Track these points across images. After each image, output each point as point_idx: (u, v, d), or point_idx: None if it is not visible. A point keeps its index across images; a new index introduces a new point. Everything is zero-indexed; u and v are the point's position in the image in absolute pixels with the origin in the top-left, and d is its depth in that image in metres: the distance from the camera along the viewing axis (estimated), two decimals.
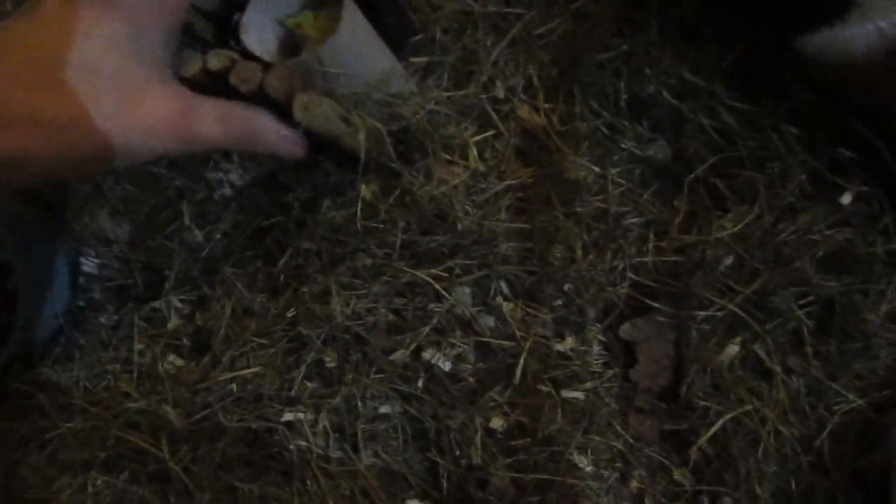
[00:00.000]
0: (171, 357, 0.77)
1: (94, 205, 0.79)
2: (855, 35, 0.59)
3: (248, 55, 0.63)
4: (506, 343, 0.69)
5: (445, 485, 0.68)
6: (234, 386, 0.72)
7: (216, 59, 0.62)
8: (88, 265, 0.79)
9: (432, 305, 0.69)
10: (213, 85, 0.63)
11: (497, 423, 0.68)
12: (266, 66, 0.62)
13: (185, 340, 0.77)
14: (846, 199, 0.66)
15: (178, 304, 0.77)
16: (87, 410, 0.75)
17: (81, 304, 0.79)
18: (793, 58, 0.63)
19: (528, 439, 0.67)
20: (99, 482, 0.74)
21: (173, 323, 0.77)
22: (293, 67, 0.61)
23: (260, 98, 0.62)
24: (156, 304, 0.77)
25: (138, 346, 0.77)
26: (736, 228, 0.68)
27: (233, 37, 0.64)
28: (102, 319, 0.78)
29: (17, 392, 0.76)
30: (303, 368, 0.71)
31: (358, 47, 0.67)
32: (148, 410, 0.74)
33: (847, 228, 0.67)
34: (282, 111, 0.62)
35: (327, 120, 0.62)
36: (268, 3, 0.65)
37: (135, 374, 0.77)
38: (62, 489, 0.74)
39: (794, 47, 0.62)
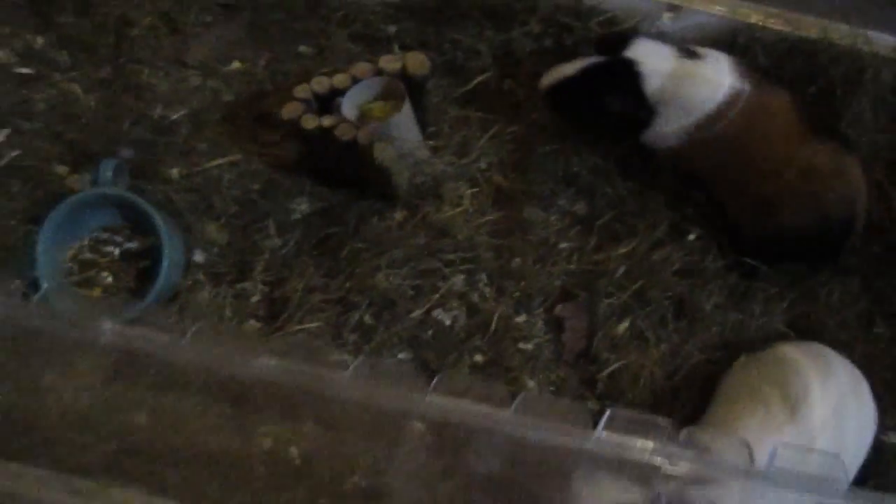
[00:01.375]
0: (252, 322, 1.12)
1: (207, 216, 1.16)
2: (666, 130, 1.05)
3: (346, 121, 1.06)
4: (484, 310, 1.08)
5: None
6: (300, 336, 1.08)
7: (328, 120, 1.05)
8: (197, 257, 1.15)
9: (440, 283, 1.09)
10: (323, 136, 1.05)
11: (478, 358, 1.06)
12: (356, 126, 1.05)
13: (262, 311, 1.12)
14: (691, 236, 1.12)
15: (261, 286, 1.13)
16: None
17: (190, 282, 1.14)
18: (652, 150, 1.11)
19: (497, 369, 1.05)
20: None
21: (256, 297, 1.13)
22: (374, 127, 1.04)
23: (353, 145, 1.04)
24: (244, 285, 1.13)
25: (227, 314, 1.12)
26: (625, 251, 1.12)
27: (335, 111, 1.07)
28: (204, 293, 1.13)
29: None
30: (350, 325, 1.08)
31: (403, 127, 1.10)
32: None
33: (692, 255, 1.12)
34: (363, 152, 1.04)
35: (392, 161, 1.05)
36: (355, 93, 1.09)
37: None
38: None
39: (641, 142, 1.09)
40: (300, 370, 0.69)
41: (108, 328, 0.69)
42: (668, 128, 1.05)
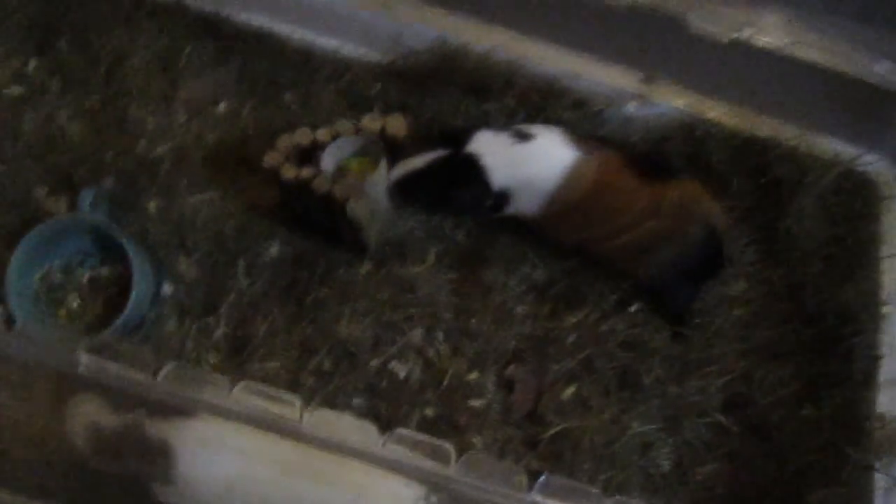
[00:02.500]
0: (212, 354, 1.15)
1: (179, 250, 1.19)
2: (522, 208, 1.12)
3: (323, 174, 1.11)
4: (439, 366, 1.13)
5: None
6: (260, 374, 1.11)
7: (306, 172, 1.10)
8: (166, 289, 1.18)
9: (398, 337, 1.13)
10: (300, 186, 1.10)
11: (429, 412, 1.10)
12: (333, 181, 1.10)
13: (223, 346, 1.16)
14: (633, 308, 1.19)
15: (225, 323, 1.17)
16: None
17: (157, 313, 1.17)
18: None
19: (447, 425, 1.09)
20: None
21: (218, 333, 1.16)
22: (349, 184, 1.10)
23: (327, 198, 1.09)
24: (208, 320, 1.17)
25: (189, 345, 1.15)
26: (575, 320, 1.18)
27: (314, 163, 1.13)
28: (169, 325, 1.16)
29: None
30: (309, 369, 1.12)
31: (378, 186, 1.15)
32: None
33: (636, 327, 1.18)
34: (337, 206, 1.09)
35: (362, 217, 1.10)
36: (335, 148, 1.15)
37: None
38: None
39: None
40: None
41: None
42: (523, 206, 1.13)
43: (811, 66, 1.12)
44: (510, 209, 1.14)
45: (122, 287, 1.14)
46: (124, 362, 0.70)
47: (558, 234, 1.19)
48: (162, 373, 0.69)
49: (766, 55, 1.13)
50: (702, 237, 1.14)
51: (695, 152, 1.27)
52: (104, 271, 1.19)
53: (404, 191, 1.11)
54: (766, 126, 1.25)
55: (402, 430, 0.73)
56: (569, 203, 1.12)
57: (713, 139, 1.25)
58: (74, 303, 1.17)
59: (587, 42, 1.26)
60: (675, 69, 1.26)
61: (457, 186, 1.09)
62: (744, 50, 1.15)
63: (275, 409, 0.71)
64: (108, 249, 1.17)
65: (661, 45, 1.23)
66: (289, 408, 0.70)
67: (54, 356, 0.70)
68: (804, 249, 1.22)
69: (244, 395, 0.71)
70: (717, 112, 1.26)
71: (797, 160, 1.24)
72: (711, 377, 1.17)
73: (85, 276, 1.19)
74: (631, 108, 1.27)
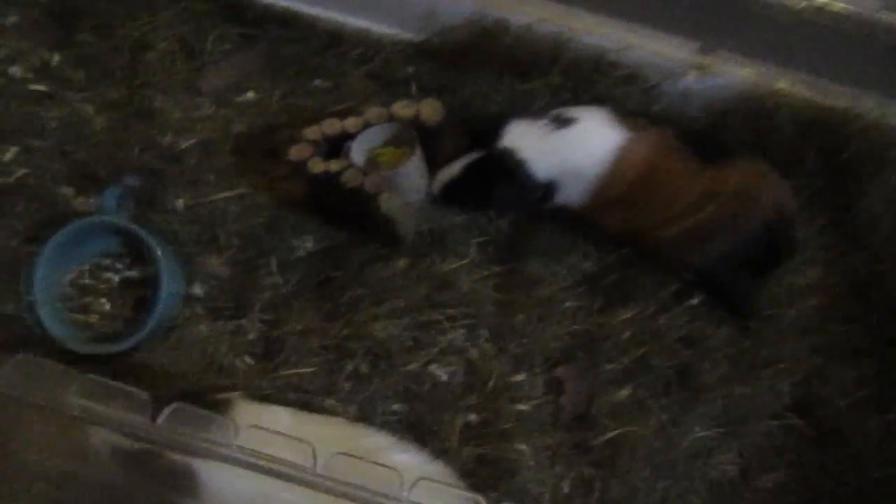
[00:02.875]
0: (246, 358, 1.10)
1: (209, 249, 1.14)
2: (570, 196, 1.05)
3: (353, 166, 1.04)
4: (482, 367, 1.06)
5: None
6: (294, 380, 1.06)
7: (336, 164, 1.03)
8: (196, 289, 1.14)
9: (439, 337, 1.06)
10: (329, 180, 1.03)
11: (473, 417, 1.04)
12: (363, 173, 1.03)
13: (257, 349, 1.11)
14: (695, 301, 1.09)
15: (259, 324, 1.12)
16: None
17: (188, 314, 1.12)
18: None
19: (492, 430, 1.02)
20: None
21: (252, 335, 1.11)
22: (382, 176, 1.02)
23: (359, 192, 1.02)
24: (242, 322, 1.11)
25: (222, 350, 1.10)
26: (629, 315, 1.09)
27: (344, 154, 1.05)
28: (201, 328, 1.11)
29: (137, 364, 1.07)
30: (345, 372, 1.06)
31: (412, 176, 1.08)
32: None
33: (696, 321, 1.08)
34: (368, 199, 1.02)
35: (397, 211, 1.02)
36: (366, 138, 1.07)
37: (215, 368, 1.09)
38: None
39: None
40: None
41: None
42: (571, 195, 1.05)
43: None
44: (559, 199, 1.06)
45: (153, 289, 1.10)
46: (117, 406, 0.64)
47: (608, 223, 1.10)
48: (161, 416, 0.64)
49: (844, 18, 1.00)
50: (768, 222, 1.03)
51: (761, 127, 1.15)
52: (134, 273, 1.15)
53: (450, 200, 1.09)
54: (842, 97, 1.12)
55: (427, 482, 0.65)
56: (619, 189, 1.03)
57: (782, 112, 1.14)
58: (106, 306, 1.13)
59: (638, 10, 1.15)
60: (736, 37, 1.14)
61: (498, 186, 1.04)
62: (817, 13, 1.03)
63: (285, 455, 0.64)
64: (138, 249, 1.12)
65: (720, 11, 1.11)
66: (301, 455, 0.64)
67: (44, 396, 0.65)
68: (885, 233, 1.10)
69: (251, 438, 0.65)
70: (786, 82, 1.14)
71: (878, 134, 1.11)
72: (782, 375, 1.08)
73: (115, 278, 1.14)
74: (689, 80, 1.17)
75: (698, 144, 1.05)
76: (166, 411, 0.64)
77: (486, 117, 1.14)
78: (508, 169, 1.02)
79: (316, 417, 0.95)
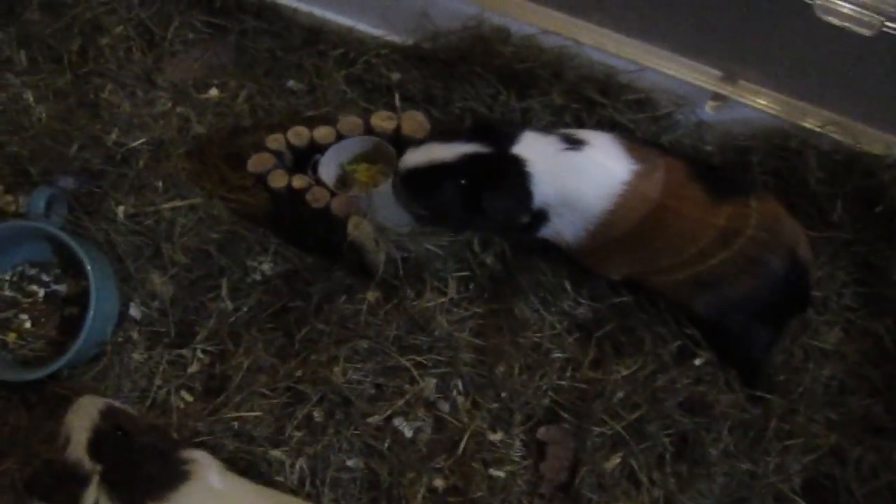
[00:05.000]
0: (184, 394, 0.96)
1: (151, 265, 1.00)
2: (561, 231, 0.91)
3: (320, 183, 0.90)
4: (454, 424, 0.92)
5: None
6: (235, 424, 0.92)
7: (298, 181, 0.89)
8: (133, 310, 0.99)
9: (406, 386, 0.93)
10: (292, 197, 0.89)
11: (439, 482, 0.90)
12: (331, 192, 0.89)
13: (198, 385, 0.96)
14: (698, 361, 0.96)
15: (201, 355, 0.98)
16: None
17: (121, 339, 0.98)
18: None
19: (460, 499, 0.88)
20: None
21: (193, 368, 0.97)
22: (351, 198, 0.89)
23: (324, 213, 0.88)
24: (182, 352, 0.97)
25: (157, 382, 0.96)
26: (626, 372, 0.96)
27: (311, 169, 0.92)
28: (135, 355, 0.97)
29: (54, 395, 0.93)
30: (296, 419, 0.92)
31: (388, 198, 0.94)
32: None
33: (701, 384, 0.95)
34: (336, 223, 0.88)
35: (367, 238, 0.89)
36: (337, 151, 0.93)
37: (148, 403, 0.95)
38: None
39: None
40: None
41: None
42: (563, 229, 0.92)
43: None
44: (546, 232, 0.92)
45: (83, 306, 0.96)
46: None
47: (598, 265, 0.97)
48: None
49: (886, 54, 0.88)
50: (782, 268, 0.91)
51: (783, 169, 1.03)
52: (62, 288, 1.00)
53: (419, 185, 0.90)
54: (878, 141, 1.00)
55: None
56: (618, 231, 0.90)
57: (808, 154, 1.01)
58: (27, 323, 0.99)
59: (656, 28, 1.03)
60: (762, 66, 1.02)
61: (493, 191, 0.87)
62: (857, 46, 0.90)
63: None
64: (70, 261, 0.98)
65: (747, 36, 0.99)
66: None
67: None
68: None
69: None
70: (815, 120, 1.02)
71: None
72: (793, 453, 0.94)
73: (40, 292, 1.00)
74: (708, 110, 1.04)
75: (711, 179, 0.92)
76: None
77: (493, 118, 1.01)
78: (511, 177, 0.88)
79: (246, 486, 0.81)
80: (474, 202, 0.88)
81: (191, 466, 0.77)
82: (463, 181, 0.88)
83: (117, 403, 0.82)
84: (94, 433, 0.76)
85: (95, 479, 0.73)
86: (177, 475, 0.75)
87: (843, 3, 0.85)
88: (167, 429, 0.90)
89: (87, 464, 0.74)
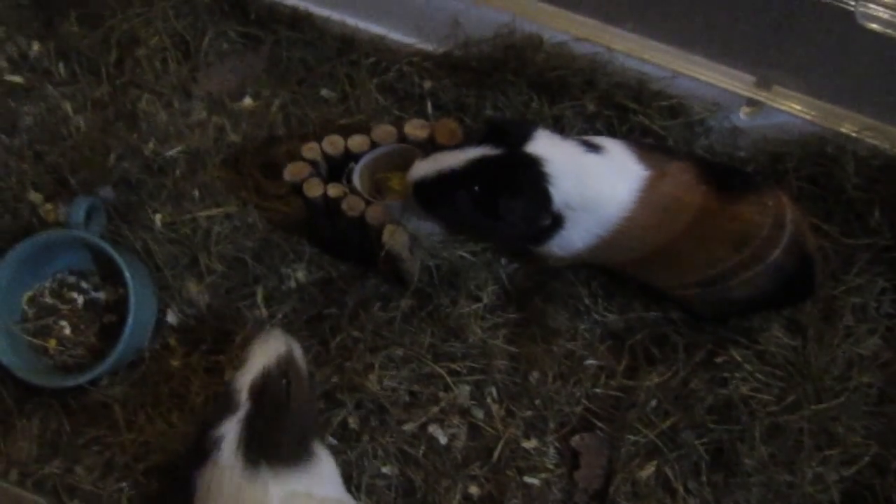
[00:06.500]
0: None
1: (188, 272, 1.02)
2: (573, 239, 0.88)
3: (354, 192, 0.91)
4: (489, 431, 0.92)
5: None
6: None
7: (334, 189, 0.90)
8: (171, 317, 1.01)
9: (441, 394, 0.93)
10: (328, 206, 0.90)
11: (474, 490, 0.90)
12: (366, 201, 0.90)
13: None
14: (719, 360, 0.95)
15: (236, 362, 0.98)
16: (143, 429, 0.94)
17: (159, 345, 0.99)
18: None
19: None
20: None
21: (230, 375, 0.98)
22: (385, 207, 0.89)
23: (359, 222, 0.89)
24: (219, 358, 0.98)
25: (194, 388, 0.97)
26: (659, 380, 0.96)
27: (346, 178, 0.92)
28: (173, 362, 0.99)
29: (94, 401, 0.94)
30: (331, 426, 0.92)
31: None
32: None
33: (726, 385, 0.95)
34: (371, 231, 0.89)
35: (402, 247, 0.89)
36: (371, 160, 0.94)
37: (186, 410, 0.96)
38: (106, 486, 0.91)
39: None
40: None
41: None
42: (575, 236, 0.88)
43: None
44: (559, 240, 0.89)
45: (121, 313, 0.97)
46: None
47: (604, 262, 0.96)
48: None
49: None
50: (793, 266, 0.89)
51: (820, 175, 1.02)
52: (101, 295, 1.02)
53: (430, 197, 0.86)
54: None
55: None
56: (631, 236, 0.88)
57: (846, 160, 1.00)
58: (67, 329, 1.01)
59: (689, 34, 1.02)
60: (798, 71, 1.01)
61: (509, 195, 0.83)
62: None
63: None
64: (109, 269, 1.00)
65: (782, 40, 0.98)
66: None
67: None
68: None
69: None
70: (851, 126, 1.01)
71: None
72: (831, 463, 0.93)
73: (80, 299, 1.02)
74: (742, 116, 1.03)
75: (722, 179, 0.89)
76: None
77: (504, 118, 0.98)
78: (527, 179, 0.83)
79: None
80: (491, 209, 0.83)
81: (313, 461, 0.77)
82: (476, 188, 0.84)
83: (298, 352, 0.82)
84: (263, 373, 0.76)
85: (240, 414, 0.74)
86: (301, 459, 0.75)
87: (885, 10, 0.84)
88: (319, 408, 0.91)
89: (244, 396, 0.75)
